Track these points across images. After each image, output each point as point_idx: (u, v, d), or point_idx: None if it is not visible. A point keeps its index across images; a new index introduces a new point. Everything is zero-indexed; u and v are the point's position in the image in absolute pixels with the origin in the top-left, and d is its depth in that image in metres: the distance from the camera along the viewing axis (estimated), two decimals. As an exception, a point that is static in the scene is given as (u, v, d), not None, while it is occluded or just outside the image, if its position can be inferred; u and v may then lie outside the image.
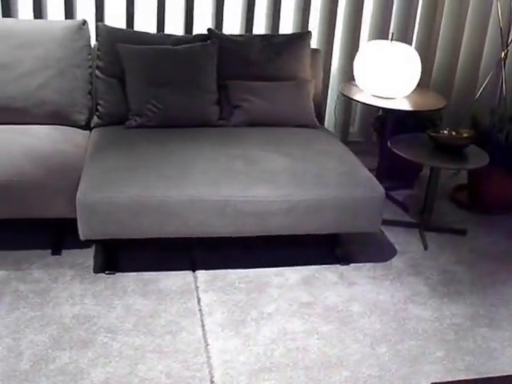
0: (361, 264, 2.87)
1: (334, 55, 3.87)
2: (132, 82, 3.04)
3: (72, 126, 3.06)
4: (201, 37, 3.19)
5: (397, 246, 3.03)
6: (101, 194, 2.51)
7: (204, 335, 2.36)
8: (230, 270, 2.76)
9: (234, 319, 2.46)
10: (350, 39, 3.86)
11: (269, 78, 3.18)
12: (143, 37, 3.14)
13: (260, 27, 3.76)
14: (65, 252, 2.82)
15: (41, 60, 2.99)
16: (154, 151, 2.78)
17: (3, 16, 3.41)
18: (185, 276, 2.70)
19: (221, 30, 3.61)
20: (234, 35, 3.28)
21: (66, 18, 3.47)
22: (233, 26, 3.70)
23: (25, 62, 2.98)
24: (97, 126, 3.13)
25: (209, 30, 3.23)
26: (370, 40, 3.85)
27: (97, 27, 3.16)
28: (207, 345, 2.31)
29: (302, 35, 3.27)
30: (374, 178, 2.75)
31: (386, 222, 3.20)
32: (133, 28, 3.55)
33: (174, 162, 2.69)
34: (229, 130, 3.11)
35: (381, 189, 2.69)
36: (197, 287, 2.63)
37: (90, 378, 2.12)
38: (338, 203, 2.64)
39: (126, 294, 2.57)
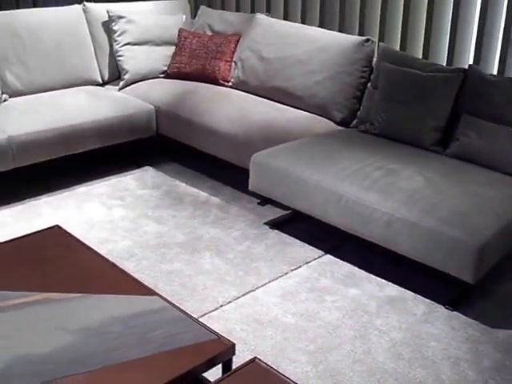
0: (465, 317, 2.66)
1: None
2: (377, 95, 3.46)
3: (329, 120, 3.70)
4: (460, 70, 3.31)
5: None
6: (265, 158, 3.16)
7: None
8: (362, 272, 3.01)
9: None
10: None
11: (505, 122, 3.08)
12: (408, 60, 3.46)
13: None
14: (267, 206, 3.55)
15: (323, 63, 3.71)
16: (338, 148, 3.20)
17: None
18: (311, 252, 3.09)
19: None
20: (490, 75, 3.25)
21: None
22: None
23: (313, 62, 3.75)
24: (353, 126, 3.67)
25: (469, 65, 3.31)
26: None
27: (378, 46, 3.65)
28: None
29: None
30: (488, 231, 2.52)
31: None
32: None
33: (334, 156, 3.09)
34: (429, 155, 3.21)
35: (480, 239, 2.47)
36: (310, 261, 3.02)
37: (132, 260, 2.91)
38: (431, 234, 2.58)
39: (256, 238, 3.17)
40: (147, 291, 2.16)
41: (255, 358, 1.86)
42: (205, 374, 1.96)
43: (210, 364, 1.89)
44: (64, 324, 1.96)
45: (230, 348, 1.93)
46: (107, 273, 2.27)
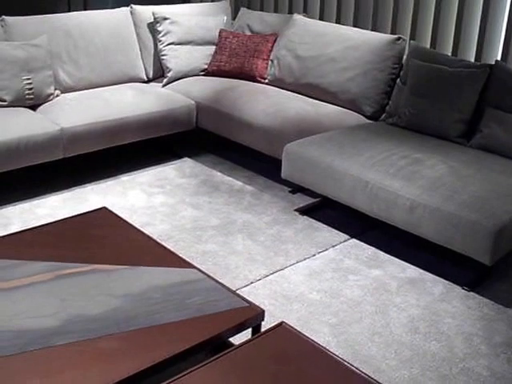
0: (481, 297, 2.83)
1: None
2: (405, 90, 3.65)
3: (359, 114, 3.90)
4: (486, 65, 3.46)
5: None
6: (297, 148, 3.38)
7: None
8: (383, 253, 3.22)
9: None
10: None
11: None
12: (437, 57, 3.63)
13: None
14: (298, 194, 3.76)
15: (356, 60, 3.91)
16: (366, 139, 3.40)
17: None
18: (337, 236, 3.30)
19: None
20: (514, 70, 3.41)
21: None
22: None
23: (346, 60, 3.95)
24: (381, 120, 3.86)
25: (496, 61, 3.47)
26: None
27: (409, 44, 3.83)
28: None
29: None
30: (506, 215, 2.69)
31: None
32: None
33: (362, 146, 3.29)
34: (453, 146, 3.39)
35: (498, 222, 2.65)
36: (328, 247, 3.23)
37: (170, 241, 3.15)
38: (451, 218, 2.76)
39: (286, 223, 3.39)
40: (185, 264, 2.40)
41: (282, 322, 2.08)
42: (237, 340, 2.18)
43: (241, 328, 2.11)
44: (111, 291, 2.21)
45: (260, 314, 2.15)
46: (149, 248, 2.51)
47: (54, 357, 1.89)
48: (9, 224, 3.27)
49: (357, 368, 1.88)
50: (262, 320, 2.17)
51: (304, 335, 2.02)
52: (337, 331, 2.57)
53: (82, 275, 2.29)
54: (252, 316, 2.13)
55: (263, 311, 2.15)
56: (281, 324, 2.07)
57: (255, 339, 2.01)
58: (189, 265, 2.40)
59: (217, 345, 2.11)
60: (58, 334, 1.98)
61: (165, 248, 2.52)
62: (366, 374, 1.86)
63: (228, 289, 2.25)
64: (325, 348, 1.97)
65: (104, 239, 2.56)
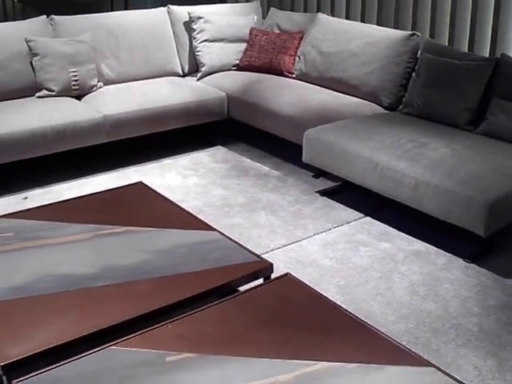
0: (480, 268, 3.07)
1: None
2: (418, 82, 3.92)
3: (377, 105, 4.17)
4: (492, 58, 3.71)
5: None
6: (316, 134, 3.68)
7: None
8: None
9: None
10: None
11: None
12: (448, 51, 3.89)
13: None
14: (321, 179, 4.05)
15: (373, 55, 4.20)
16: (378, 125, 3.69)
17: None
18: (352, 214, 3.58)
19: None
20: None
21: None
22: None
23: (366, 55, 4.24)
24: (399, 110, 4.12)
25: (502, 54, 3.71)
26: None
27: (423, 40, 4.10)
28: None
29: None
30: (500, 191, 2.94)
31: None
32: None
33: (374, 132, 3.57)
34: (459, 132, 3.64)
35: (491, 197, 2.90)
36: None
37: (201, 215, 3.47)
38: (450, 194, 3.03)
39: (306, 202, 3.69)
40: (208, 227, 2.72)
41: (287, 272, 2.37)
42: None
43: (251, 277, 2.42)
44: (141, 247, 2.54)
45: (268, 266, 2.46)
46: (177, 215, 2.84)
47: (91, 295, 2.23)
48: (59, 198, 3.64)
49: (351, 313, 2.14)
50: (271, 272, 2.46)
51: (305, 284, 2.31)
52: (343, 291, 2.86)
53: (117, 235, 2.64)
54: (261, 268, 2.44)
55: (271, 264, 2.46)
56: (286, 274, 2.37)
57: (262, 286, 2.32)
58: (211, 228, 2.72)
59: (229, 291, 2.42)
60: (94, 279, 2.32)
61: (191, 215, 2.84)
62: (361, 319, 2.13)
63: (242, 246, 2.57)
64: (322, 295, 2.25)
65: (138, 207, 2.91)
